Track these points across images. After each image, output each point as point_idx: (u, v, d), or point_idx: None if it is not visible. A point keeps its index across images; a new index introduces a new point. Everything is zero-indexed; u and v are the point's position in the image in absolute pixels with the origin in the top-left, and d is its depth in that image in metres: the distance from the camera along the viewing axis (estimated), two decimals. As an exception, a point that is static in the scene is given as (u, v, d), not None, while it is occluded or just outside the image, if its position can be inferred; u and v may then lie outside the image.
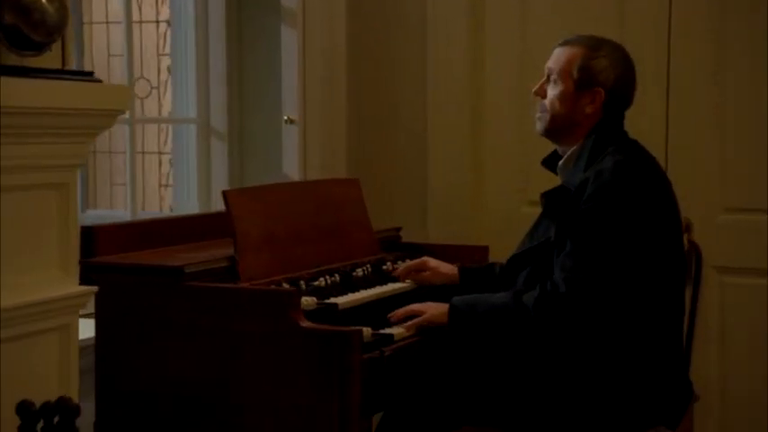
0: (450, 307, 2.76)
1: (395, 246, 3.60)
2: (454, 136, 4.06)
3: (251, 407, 2.60)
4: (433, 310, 2.79)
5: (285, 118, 3.94)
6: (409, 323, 2.78)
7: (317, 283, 2.95)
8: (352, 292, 2.97)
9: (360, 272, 3.16)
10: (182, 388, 2.68)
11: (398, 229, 3.70)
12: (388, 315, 2.83)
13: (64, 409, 2.02)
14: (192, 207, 4.13)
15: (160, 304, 2.69)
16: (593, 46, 2.78)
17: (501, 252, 3.24)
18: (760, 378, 3.55)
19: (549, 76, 2.83)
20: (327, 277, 3.00)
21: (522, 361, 2.71)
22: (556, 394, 2.65)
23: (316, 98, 3.91)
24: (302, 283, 2.91)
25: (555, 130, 2.80)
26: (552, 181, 3.89)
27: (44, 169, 2.25)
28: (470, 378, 2.78)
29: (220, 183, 4.12)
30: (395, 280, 3.20)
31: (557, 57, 2.82)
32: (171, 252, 2.96)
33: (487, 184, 4.07)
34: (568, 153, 2.79)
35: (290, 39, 3.93)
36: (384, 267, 3.28)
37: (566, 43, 2.82)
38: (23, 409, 2.03)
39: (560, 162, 2.82)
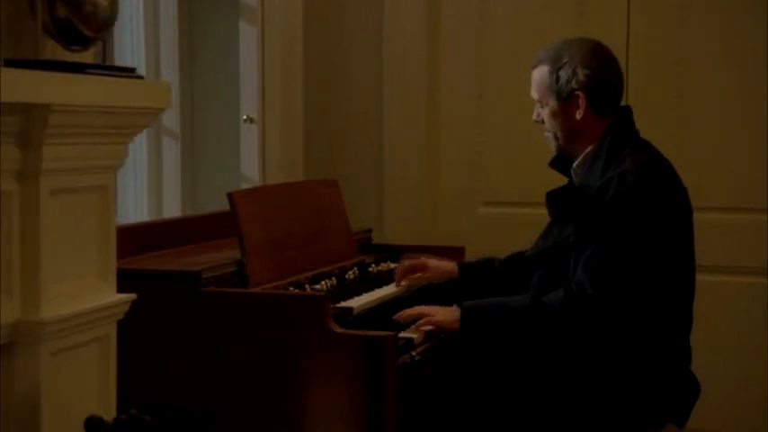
0: (462, 312, 2.72)
1: (368, 247, 3.56)
2: (410, 137, 4.05)
3: (281, 415, 2.52)
4: (443, 315, 2.75)
5: (244, 117, 3.83)
6: (421, 328, 2.73)
7: (318, 286, 2.89)
8: (355, 294, 2.91)
9: (351, 274, 3.11)
10: (204, 398, 2.57)
11: (369, 231, 3.65)
12: (395, 316, 2.77)
13: (138, 425, 1.90)
14: (140, 213, 3.96)
15: (176, 311, 2.57)
16: (554, 58, 2.81)
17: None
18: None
19: (538, 103, 2.85)
20: (327, 281, 2.94)
21: (539, 363, 2.70)
22: (570, 395, 2.66)
23: (275, 97, 3.82)
24: (307, 287, 2.84)
25: (564, 144, 2.82)
26: (513, 182, 3.97)
27: (85, 171, 2.11)
28: (485, 382, 2.76)
29: (172, 185, 3.97)
30: (385, 282, 3.15)
31: (533, 83, 2.87)
32: (165, 257, 2.84)
33: (444, 184, 4.07)
34: (582, 155, 2.80)
35: (248, 35, 3.83)
36: (370, 269, 3.24)
37: (535, 65, 2.86)
38: (94, 425, 1.90)
39: (574, 164, 2.82)
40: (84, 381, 2.15)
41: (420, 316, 2.77)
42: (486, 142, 4.02)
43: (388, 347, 2.45)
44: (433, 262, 3.15)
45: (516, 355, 2.73)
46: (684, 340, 2.74)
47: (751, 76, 3.71)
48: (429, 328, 2.72)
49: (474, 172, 4.03)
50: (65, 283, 2.07)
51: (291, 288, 2.78)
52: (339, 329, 2.48)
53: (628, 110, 2.82)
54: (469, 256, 3.45)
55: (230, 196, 2.78)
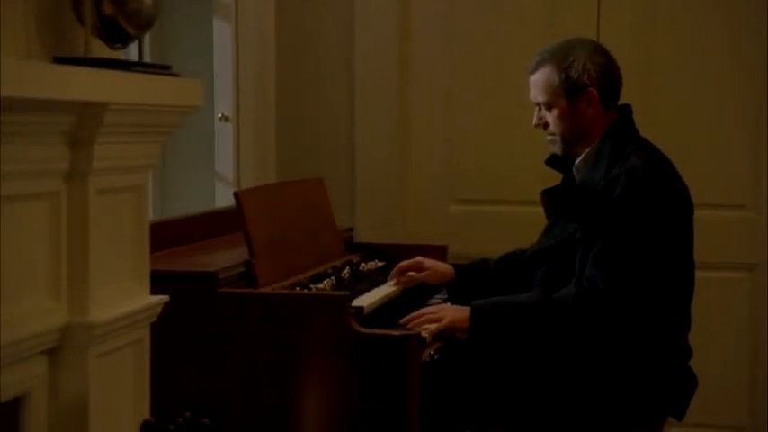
0: (471, 311, 2.74)
1: (350, 246, 3.55)
2: (382, 137, 4.04)
3: (301, 415, 2.50)
4: (453, 314, 2.75)
5: (219, 115, 3.79)
6: (433, 328, 2.73)
7: (321, 285, 2.88)
8: (359, 294, 2.90)
9: (346, 273, 3.10)
10: (224, 400, 2.53)
11: (351, 230, 3.65)
12: (404, 320, 2.76)
13: (198, 428, 1.87)
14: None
15: (193, 312, 2.53)
16: (559, 58, 2.82)
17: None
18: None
19: (539, 106, 2.87)
20: (328, 280, 2.93)
21: (545, 358, 2.73)
22: (575, 388, 2.69)
23: (250, 95, 3.79)
24: (312, 287, 2.82)
25: (571, 145, 2.84)
26: (484, 180, 4.00)
27: (126, 171, 2.07)
28: (495, 379, 2.78)
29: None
30: (379, 280, 3.15)
31: (535, 86, 2.86)
32: (169, 257, 2.80)
33: (415, 183, 4.08)
34: (585, 153, 2.84)
35: (222, 32, 3.79)
36: (361, 268, 3.23)
37: (535, 68, 2.86)
38: (152, 429, 1.86)
39: (576, 162, 2.86)
40: (120, 384, 2.11)
41: (429, 319, 2.75)
42: (456, 141, 4.04)
43: (412, 346, 2.46)
44: (429, 262, 3.16)
45: (524, 351, 2.75)
46: (686, 336, 2.81)
47: (722, 75, 3.80)
48: (440, 326, 2.72)
49: (445, 171, 4.05)
50: (108, 285, 2.03)
51: (298, 288, 2.76)
52: (362, 329, 2.48)
53: (628, 108, 2.87)
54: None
55: (237, 195, 2.75)
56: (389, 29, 4.01)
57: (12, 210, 1.77)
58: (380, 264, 3.36)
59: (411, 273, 3.13)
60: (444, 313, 2.75)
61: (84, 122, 1.87)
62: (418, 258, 3.15)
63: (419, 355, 2.48)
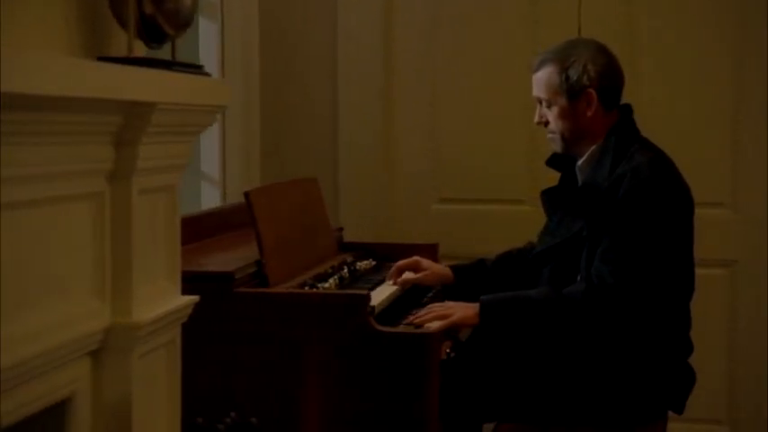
0: (481, 306, 2.76)
1: (341, 246, 3.56)
2: (366, 136, 4.06)
3: (322, 415, 2.50)
4: (462, 311, 2.76)
5: (206, 114, 3.76)
6: (442, 324, 2.75)
7: (327, 285, 2.88)
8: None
9: (345, 273, 3.11)
10: (241, 400, 2.52)
11: (341, 230, 3.66)
12: (413, 319, 2.78)
13: (247, 428, 1.87)
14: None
15: (210, 312, 2.51)
16: (561, 58, 2.87)
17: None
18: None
19: (540, 103, 2.91)
20: (332, 280, 2.94)
21: (555, 354, 2.77)
22: (578, 384, 2.74)
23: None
24: (319, 285, 2.83)
25: (571, 144, 2.88)
26: (467, 179, 4.04)
27: (162, 170, 2.07)
28: (502, 375, 2.81)
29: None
30: (378, 279, 3.16)
31: (537, 84, 2.90)
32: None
33: (399, 182, 4.10)
34: (588, 153, 2.88)
35: (208, 32, 3.77)
36: (357, 267, 3.24)
37: (538, 67, 2.90)
38: (199, 429, 1.86)
39: (580, 161, 2.90)
40: (156, 385, 2.10)
41: (437, 317, 2.77)
42: (440, 140, 4.06)
43: (432, 345, 2.48)
44: (426, 262, 3.17)
45: (532, 346, 2.78)
46: (688, 331, 2.86)
47: (702, 74, 3.88)
48: (449, 321, 2.73)
49: (428, 169, 4.06)
50: (147, 286, 2.03)
51: (307, 288, 2.76)
52: (382, 328, 2.49)
53: (629, 108, 2.92)
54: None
55: (247, 195, 2.74)
56: (373, 28, 4.03)
57: (59, 211, 1.76)
58: (373, 263, 3.37)
59: (408, 273, 3.14)
60: (452, 310, 2.77)
61: (130, 122, 1.86)
62: (416, 258, 3.17)
63: (438, 352, 2.49)
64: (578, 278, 2.79)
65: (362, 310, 2.50)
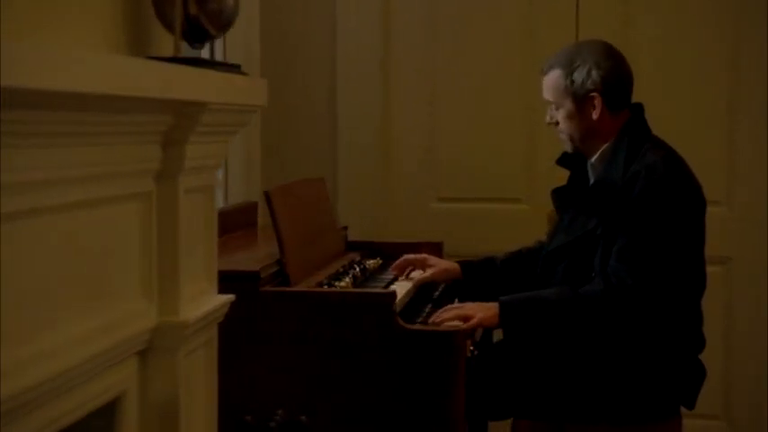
0: (500, 307, 2.78)
1: (346, 245, 3.57)
2: (364, 136, 4.07)
3: (351, 415, 2.52)
4: (482, 312, 2.77)
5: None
6: (466, 326, 2.76)
7: (343, 283, 2.89)
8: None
9: (357, 272, 3.12)
10: (265, 399, 2.52)
11: (345, 228, 3.67)
12: (432, 319, 2.80)
13: (297, 426, 1.88)
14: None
15: (236, 311, 2.51)
16: (567, 62, 2.91)
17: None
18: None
19: (552, 105, 2.96)
20: (348, 278, 2.95)
21: (574, 353, 2.79)
22: (596, 382, 2.77)
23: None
24: (336, 284, 2.84)
25: (581, 144, 2.92)
26: (465, 178, 4.06)
27: (202, 170, 2.07)
28: (521, 372, 2.83)
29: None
30: (387, 278, 3.17)
31: (545, 87, 2.95)
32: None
33: (397, 181, 4.11)
34: (600, 151, 2.91)
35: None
36: (367, 266, 3.26)
37: (546, 71, 2.95)
38: (248, 427, 1.87)
39: (592, 160, 2.93)
40: (197, 384, 2.10)
41: (457, 317, 2.79)
42: (438, 139, 4.08)
43: (458, 342, 2.50)
44: (433, 259, 3.19)
45: (551, 345, 2.81)
46: (701, 327, 2.90)
47: (697, 73, 3.92)
48: (472, 323, 2.75)
49: (427, 169, 4.09)
50: (190, 285, 2.03)
51: (326, 286, 2.77)
52: (409, 326, 2.51)
53: (640, 107, 2.96)
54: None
55: (267, 194, 2.75)
56: (372, 28, 4.04)
57: (109, 212, 1.76)
58: (380, 261, 3.39)
59: (416, 271, 3.16)
60: (473, 311, 2.78)
61: (180, 122, 1.86)
62: (424, 255, 3.19)
63: (465, 350, 2.52)
64: (593, 275, 2.82)
65: (390, 309, 2.51)
